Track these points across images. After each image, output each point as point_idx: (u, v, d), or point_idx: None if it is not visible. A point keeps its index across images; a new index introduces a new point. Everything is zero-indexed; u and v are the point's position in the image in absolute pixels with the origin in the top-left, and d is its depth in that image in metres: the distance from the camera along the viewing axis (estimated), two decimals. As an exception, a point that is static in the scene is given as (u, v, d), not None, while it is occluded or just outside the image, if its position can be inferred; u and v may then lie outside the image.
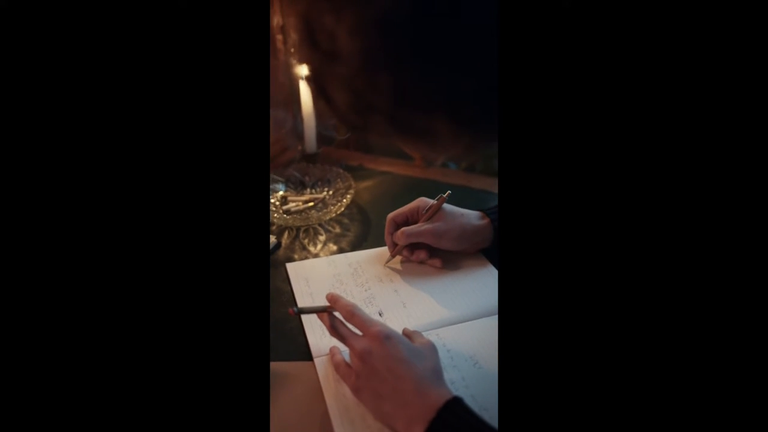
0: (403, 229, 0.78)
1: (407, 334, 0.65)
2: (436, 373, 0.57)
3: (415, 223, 0.80)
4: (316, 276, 0.80)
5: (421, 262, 0.80)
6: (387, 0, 0.31)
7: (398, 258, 0.82)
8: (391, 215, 0.80)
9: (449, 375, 0.63)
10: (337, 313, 0.64)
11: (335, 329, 0.62)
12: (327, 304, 0.65)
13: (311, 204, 0.94)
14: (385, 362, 0.56)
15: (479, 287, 0.76)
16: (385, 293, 0.76)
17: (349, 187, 0.93)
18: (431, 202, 0.79)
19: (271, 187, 0.96)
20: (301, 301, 0.76)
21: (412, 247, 0.80)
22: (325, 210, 0.91)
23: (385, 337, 0.57)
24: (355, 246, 0.87)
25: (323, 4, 0.33)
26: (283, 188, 0.97)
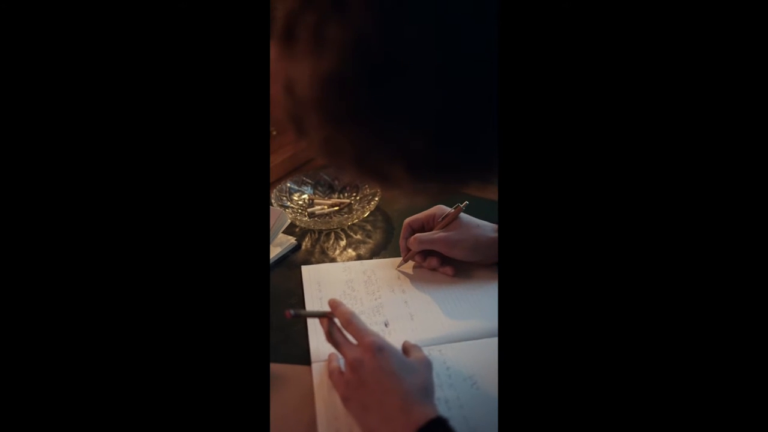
0: (417, 235, 0.78)
1: (406, 347, 0.63)
2: (425, 390, 0.55)
3: (431, 229, 0.79)
4: (329, 281, 0.80)
5: (433, 270, 0.80)
6: (334, 59, 0.32)
7: (411, 263, 0.82)
8: (407, 220, 0.81)
9: (445, 393, 0.61)
10: (337, 320, 0.63)
11: (331, 335, 0.61)
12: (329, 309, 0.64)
13: (336, 208, 0.94)
14: (374, 374, 0.55)
15: (489, 305, 0.73)
16: (394, 303, 0.75)
17: (375, 194, 0.93)
18: (449, 210, 0.79)
19: (298, 189, 0.97)
20: (310, 305, 0.76)
21: (425, 253, 0.79)
22: (348, 215, 0.91)
23: (377, 348, 0.57)
24: (374, 254, 0.86)
25: (288, 52, 0.35)
26: (311, 191, 0.98)
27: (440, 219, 0.79)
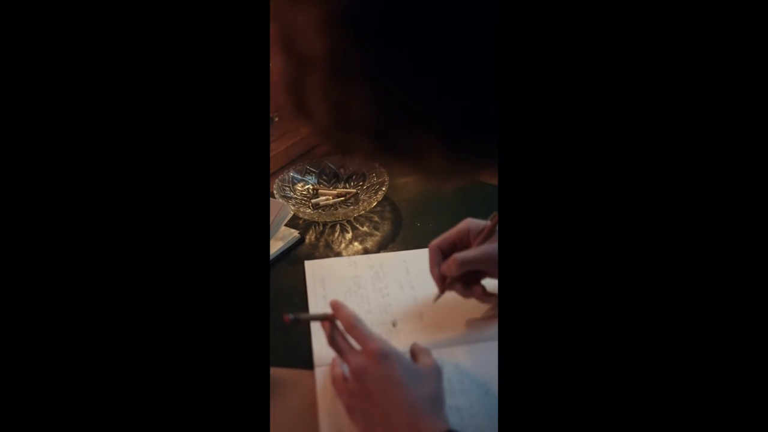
0: (456, 255, 0.62)
1: (414, 351, 0.59)
2: (435, 400, 0.51)
3: (465, 249, 0.65)
4: (334, 277, 0.75)
5: (479, 299, 0.66)
6: None
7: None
8: (435, 243, 0.67)
9: (456, 401, 0.57)
10: (339, 323, 0.59)
11: (334, 340, 0.57)
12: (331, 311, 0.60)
13: (342, 198, 0.89)
14: (379, 383, 0.51)
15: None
16: (403, 301, 0.71)
17: (383, 183, 0.88)
18: (481, 223, 0.66)
19: (302, 178, 0.93)
20: (314, 303, 0.71)
21: (467, 280, 0.65)
22: (354, 206, 0.86)
23: (382, 355, 0.52)
24: (382, 247, 0.82)
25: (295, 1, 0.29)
26: (315, 180, 0.93)
27: (476, 234, 0.65)
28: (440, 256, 0.66)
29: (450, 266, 0.63)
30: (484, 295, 0.65)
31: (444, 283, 0.66)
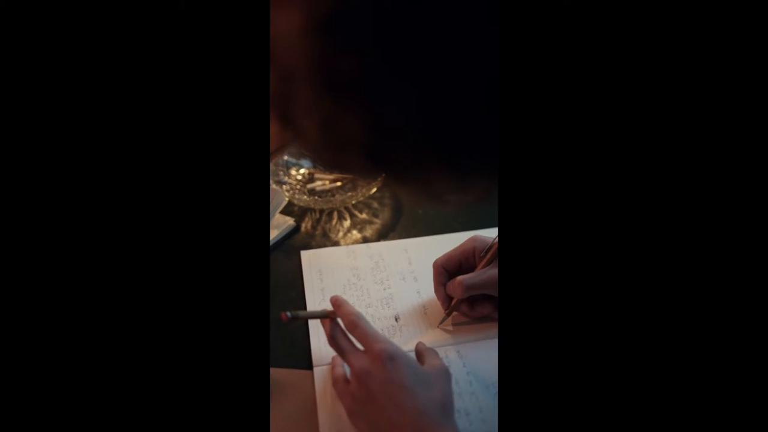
0: (461, 278, 0.59)
1: (420, 351, 0.56)
2: (444, 406, 0.48)
3: (472, 268, 0.62)
4: (332, 268, 0.72)
5: (487, 318, 0.62)
6: None
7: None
8: (439, 261, 0.63)
9: (465, 404, 0.54)
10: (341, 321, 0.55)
11: (335, 340, 0.53)
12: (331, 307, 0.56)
13: (339, 184, 0.85)
14: (384, 387, 0.48)
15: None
16: (406, 294, 0.67)
17: (382, 168, 0.83)
18: (488, 239, 0.62)
19: (296, 162, 0.88)
20: (311, 297, 0.68)
21: (472, 299, 0.62)
22: (352, 192, 0.82)
23: (388, 357, 0.49)
24: (382, 236, 0.78)
25: (276, 5, 0.26)
26: (310, 164, 0.89)
27: (482, 253, 0.61)
28: (446, 276, 0.63)
29: (456, 289, 0.60)
30: (493, 312, 0.61)
31: (450, 304, 0.63)
